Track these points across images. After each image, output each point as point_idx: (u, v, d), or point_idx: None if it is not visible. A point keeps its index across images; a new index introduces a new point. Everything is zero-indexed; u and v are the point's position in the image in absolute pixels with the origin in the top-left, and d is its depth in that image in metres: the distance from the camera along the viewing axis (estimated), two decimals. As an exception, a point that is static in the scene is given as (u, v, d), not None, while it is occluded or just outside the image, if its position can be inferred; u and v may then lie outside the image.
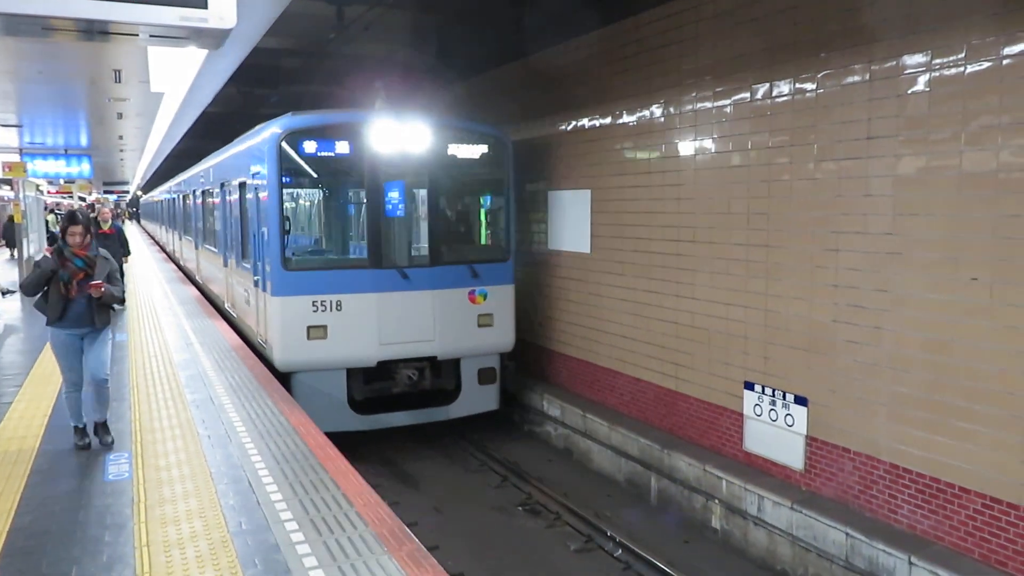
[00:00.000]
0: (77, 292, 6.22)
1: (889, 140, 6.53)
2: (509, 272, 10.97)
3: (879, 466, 6.77)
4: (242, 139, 12.42)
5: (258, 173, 10.39)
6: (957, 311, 6.06)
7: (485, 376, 10.86)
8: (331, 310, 9.72)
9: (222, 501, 5.31)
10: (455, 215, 11.44)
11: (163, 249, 34.49)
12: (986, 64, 5.79)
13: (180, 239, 25.29)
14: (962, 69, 5.96)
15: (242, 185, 11.95)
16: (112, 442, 6.46)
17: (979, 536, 5.98)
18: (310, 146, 9.77)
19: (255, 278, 10.86)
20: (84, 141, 18.72)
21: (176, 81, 11.44)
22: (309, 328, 9.67)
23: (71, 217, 6.38)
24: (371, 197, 10.16)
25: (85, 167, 20.15)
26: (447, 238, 10.84)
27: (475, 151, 10.77)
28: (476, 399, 10.88)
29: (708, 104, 8.49)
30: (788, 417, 7.65)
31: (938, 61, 6.12)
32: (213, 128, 19.47)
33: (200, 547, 4.62)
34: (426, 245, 10.47)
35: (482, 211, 11.90)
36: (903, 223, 6.45)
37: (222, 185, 14.24)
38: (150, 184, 54.46)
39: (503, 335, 10.87)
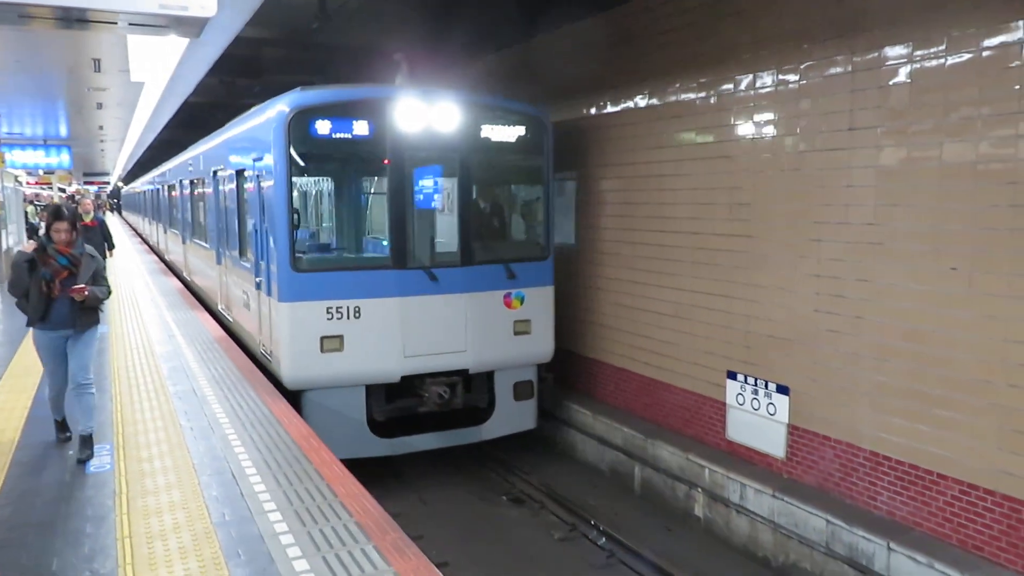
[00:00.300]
0: (60, 292, 5.90)
1: (871, 131, 6.57)
2: (548, 272, 9.70)
3: (859, 454, 6.85)
4: (240, 120, 11.08)
5: (261, 159, 9.08)
6: (937, 301, 6.12)
7: (521, 391, 9.65)
8: (348, 318, 8.47)
9: (205, 492, 5.30)
10: (489, 207, 10.16)
11: (145, 241, 34.08)
12: (966, 56, 5.83)
13: (165, 232, 23.87)
14: (943, 61, 6.00)
15: (240, 173, 10.65)
16: (89, 458, 5.93)
17: (956, 522, 6.07)
18: (323, 127, 8.41)
19: (257, 279, 9.54)
20: (63, 131, 18.55)
21: (157, 71, 11.33)
22: (323, 339, 8.41)
23: (56, 212, 6.04)
24: (394, 187, 8.82)
25: (65, 158, 19.96)
26: (480, 234, 9.53)
27: (511, 133, 9.42)
28: (511, 417, 9.65)
29: (692, 95, 8.51)
30: (770, 406, 7.72)
31: (919, 53, 6.16)
32: (195, 119, 19.31)
33: (183, 538, 4.61)
34: (457, 242, 9.15)
35: (518, 202, 10.68)
36: (884, 213, 6.50)
37: (215, 173, 12.85)
38: (132, 175, 53.94)
39: (542, 344, 9.64)
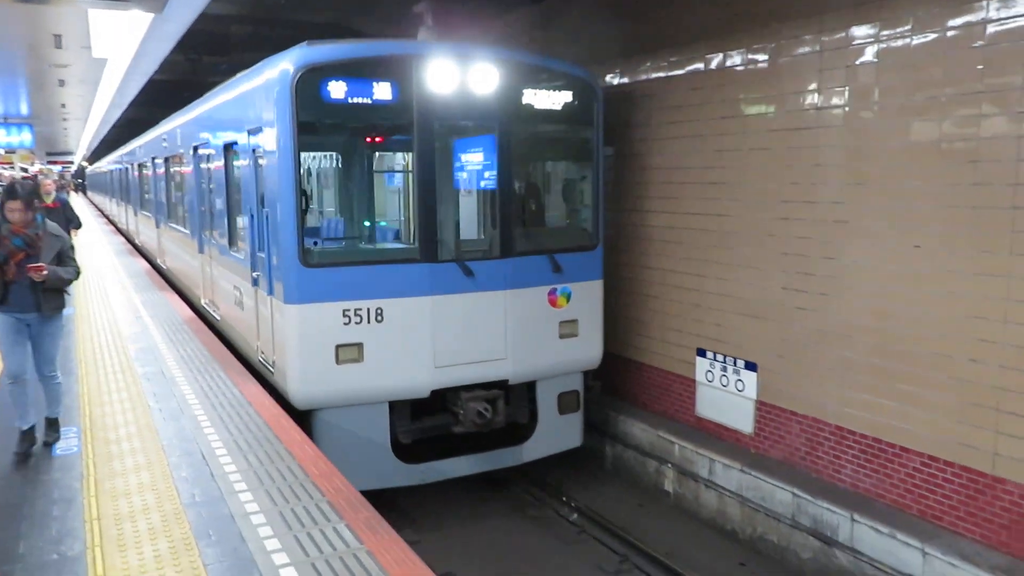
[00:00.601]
0: (16, 274, 5.57)
1: (838, 111, 6.64)
2: (597, 264, 8.41)
3: (825, 428, 6.99)
4: (228, 86, 9.39)
5: (259, 130, 7.64)
6: (901, 278, 6.24)
7: (566, 403, 8.38)
8: (368, 321, 7.16)
9: (175, 473, 5.27)
10: (531, 187, 8.80)
11: (113, 224, 33.19)
12: (931, 36, 5.90)
13: (135, 215, 22.13)
14: (908, 41, 6.07)
15: (228, 148, 9.19)
16: (55, 440, 5.84)
17: (917, 493, 6.23)
18: (337, 89, 7.00)
19: (254, 274, 8.13)
20: (24, 109, 18.14)
21: (120, 48, 11.10)
22: (338, 348, 7.10)
23: (9, 191, 5.74)
24: (422, 162, 7.43)
25: (26, 136, 19.54)
26: (523, 219, 8.19)
27: (556, 99, 8.03)
28: (556, 434, 8.36)
29: (663, 74, 8.53)
30: (739, 383, 7.83)
31: (886, 33, 6.23)
32: (161, 96, 18.93)
33: (152, 519, 4.59)
34: (496, 229, 7.75)
35: (563, 182, 9.30)
36: (850, 192, 6.59)
37: (195, 149, 11.29)
38: (97, 154, 52.86)
39: (589, 348, 8.38)
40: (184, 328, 9.99)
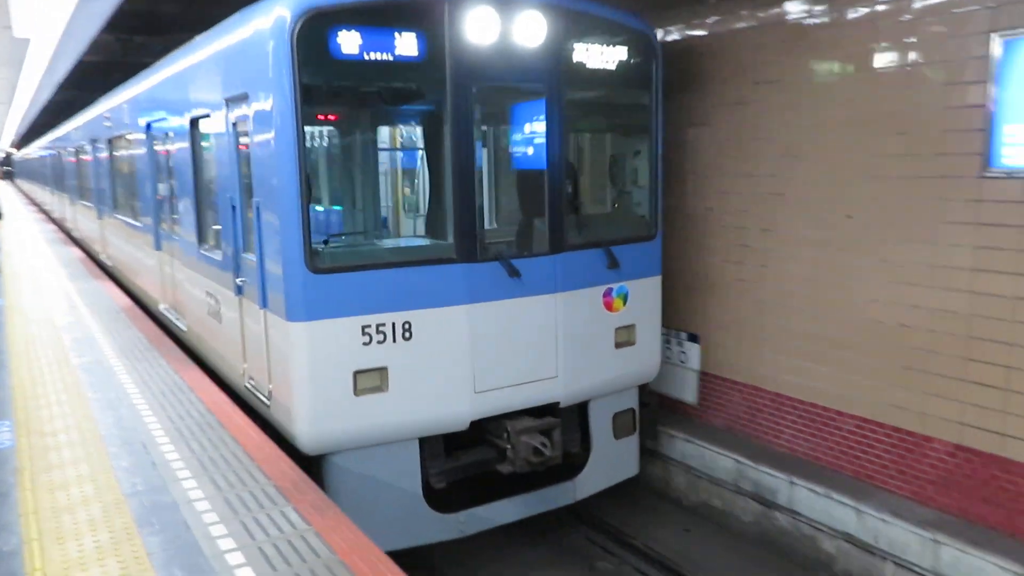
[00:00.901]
0: None
1: (774, 85, 6.77)
2: (656, 256, 7.13)
3: (764, 395, 7.20)
4: (193, 46, 7.74)
5: (244, 98, 6.01)
6: (834, 247, 6.43)
7: (621, 424, 7.16)
8: (394, 339, 5.77)
9: (114, 464, 5.16)
10: (582, 165, 7.65)
11: (48, 215, 31.78)
12: (863, 11, 6.05)
13: (72, 204, 20.02)
14: (841, 14, 6.21)
15: (196, 123, 7.58)
16: None
17: (851, 454, 6.47)
18: (349, 40, 5.41)
19: (238, 281, 6.55)
20: (-57, 93, 17.31)
21: (45, 27, 10.68)
22: (357, 375, 5.70)
23: None
24: (458, 137, 5.94)
25: (-53, 122, 18.66)
26: (574, 204, 6.83)
27: (611, 56, 6.58)
28: (611, 462, 7.16)
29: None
30: (682, 355, 8.00)
31: (819, 8, 6.36)
32: (93, 78, 18.28)
33: (92, 511, 4.50)
34: (546, 217, 6.39)
35: (616, 158, 7.78)
36: (785, 165, 6.75)
37: (149, 127, 9.57)
38: (26, 139, 50.80)
39: (647, 357, 7.15)
40: (121, 316, 9.74)
